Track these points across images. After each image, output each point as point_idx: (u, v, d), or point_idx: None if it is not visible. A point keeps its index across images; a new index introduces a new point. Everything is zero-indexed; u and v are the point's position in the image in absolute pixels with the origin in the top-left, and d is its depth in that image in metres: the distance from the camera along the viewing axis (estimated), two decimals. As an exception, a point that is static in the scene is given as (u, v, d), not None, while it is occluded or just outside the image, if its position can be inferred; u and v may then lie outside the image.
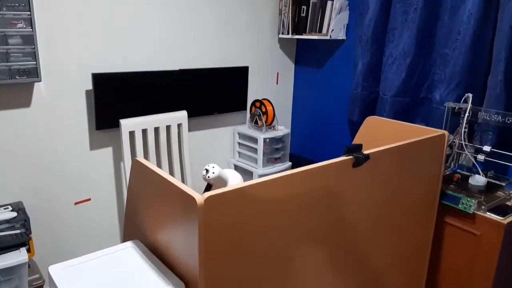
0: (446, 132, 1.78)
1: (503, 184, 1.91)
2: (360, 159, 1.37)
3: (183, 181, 2.50)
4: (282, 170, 2.79)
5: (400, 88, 2.36)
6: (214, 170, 1.28)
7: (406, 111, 2.41)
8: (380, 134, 2.06)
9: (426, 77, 2.34)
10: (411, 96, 2.38)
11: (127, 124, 2.19)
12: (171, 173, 2.43)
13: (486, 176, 1.91)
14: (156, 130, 2.33)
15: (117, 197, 2.44)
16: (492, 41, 1.99)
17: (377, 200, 1.55)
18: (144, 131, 2.28)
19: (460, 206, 1.79)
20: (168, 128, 2.38)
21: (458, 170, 2.04)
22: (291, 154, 3.00)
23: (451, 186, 1.89)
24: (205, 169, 1.28)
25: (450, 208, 1.86)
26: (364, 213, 1.51)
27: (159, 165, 2.40)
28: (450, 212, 1.87)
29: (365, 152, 1.42)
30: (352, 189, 1.42)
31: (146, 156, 2.33)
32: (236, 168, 2.88)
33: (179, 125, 2.43)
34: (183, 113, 2.43)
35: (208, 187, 1.31)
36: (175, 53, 2.48)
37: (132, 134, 2.22)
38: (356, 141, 2.17)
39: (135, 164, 1.31)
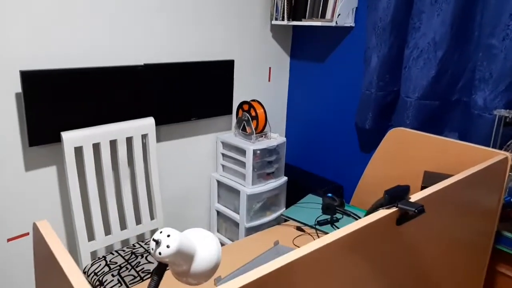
0: (508, 155, 1.27)
1: None
2: (411, 213, 0.85)
3: (151, 209, 1.96)
4: (276, 188, 2.27)
5: (428, 89, 1.85)
6: (170, 242, 0.74)
7: (436, 118, 1.90)
8: (410, 152, 1.55)
9: (462, 75, 1.83)
10: (441, 98, 1.87)
11: (71, 137, 1.63)
12: (135, 199, 1.88)
13: (555, 211, 1.42)
14: (113, 144, 1.78)
15: (65, 228, 1.90)
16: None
17: (426, 257, 1.04)
18: (96, 146, 1.73)
19: (526, 256, 1.29)
20: (129, 140, 1.83)
21: (509, 199, 1.53)
22: (285, 165, 2.48)
23: (508, 225, 1.39)
24: (155, 239, 0.74)
25: (506, 255, 1.36)
26: (411, 271, 0.99)
27: (118, 190, 1.85)
28: (507, 259, 1.37)
29: (413, 197, 0.90)
30: (397, 250, 0.91)
31: (100, 178, 1.78)
32: (220, 185, 2.34)
33: (144, 136, 1.88)
34: (149, 121, 1.88)
35: (161, 269, 0.77)
36: (139, 44, 1.92)
37: (79, 150, 1.67)
38: (376, 159, 1.65)
39: (35, 230, 0.77)
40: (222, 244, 2.38)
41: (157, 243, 0.74)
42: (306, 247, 0.72)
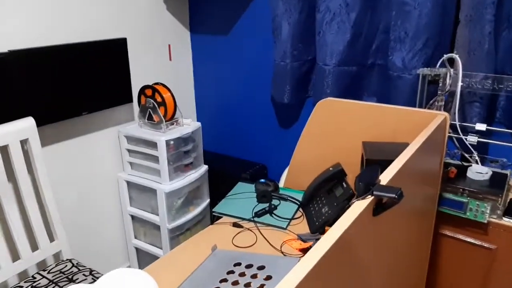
0: (447, 115, 1.22)
1: (507, 172, 1.45)
2: (391, 201, 0.71)
3: (48, 229, 1.58)
4: (197, 179, 2.04)
5: (345, 54, 1.76)
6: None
7: (354, 84, 1.83)
8: (343, 123, 1.43)
9: (375, 36, 1.77)
10: (358, 63, 1.80)
11: None
12: (25, 222, 1.50)
13: (483, 164, 1.44)
14: (-19, 157, 1.37)
15: None
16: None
17: (396, 240, 0.93)
18: (-44, 164, 1.30)
19: (468, 214, 1.28)
20: (4, 150, 1.43)
21: (446, 159, 1.53)
22: (203, 152, 2.26)
23: (449, 186, 1.37)
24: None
25: (448, 217, 1.34)
26: (376, 256, 0.87)
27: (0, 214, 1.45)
28: (449, 221, 1.36)
29: (383, 177, 0.76)
30: (369, 239, 0.77)
31: (-31, 204, 1.36)
32: (131, 186, 2.02)
33: (23, 142, 1.48)
34: (28, 122, 1.48)
35: None
36: (1, 25, 1.48)
37: None
38: (306, 135, 1.52)
39: None
40: (147, 253, 2.10)
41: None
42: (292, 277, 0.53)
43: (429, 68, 1.51)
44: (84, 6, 1.75)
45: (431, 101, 1.53)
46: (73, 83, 1.69)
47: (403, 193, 0.70)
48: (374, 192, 0.70)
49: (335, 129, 1.46)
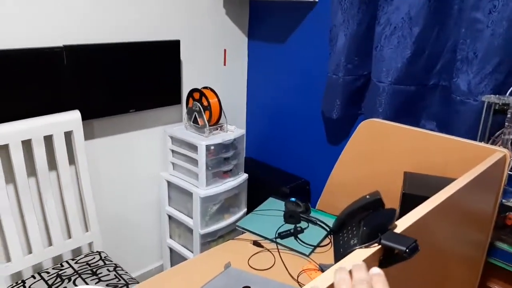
0: (507, 152, 1.04)
1: None
2: (401, 254, 0.59)
3: (83, 220, 1.64)
4: (235, 187, 1.99)
5: (403, 72, 1.60)
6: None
7: (411, 106, 1.67)
8: (386, 147, 1.30)
9: (441, 55, 1.60)
10: (418, 83, 1.63)
11: (-35, 139, 1.28)
12: (62, 210, 1.56)
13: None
14: (26, 144, 1.44)
15: (-28, 251, 1.55)
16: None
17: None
18: (4, 149, 1.38)
19: (525, 271, 1.08)
20: (48, 140, 1.49)
21: (504, 202, 1.32)
22: (246, 160, 2.21)
23: (504, 234, 1.17)
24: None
25: (500, 270, 1.15)
26: None
27: (39, 201, 1.51)
28: (500, 275, 1.16)
29: (402, 221, 0.65)
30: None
31: (13, 188, 1.44)
32: (171, 186, 2.04)
33: (67, 134, 1.54)
34: (74, 115, 1.54)
35: None
36: (57, 20, 1.56)
37: (-22, 155, 1.33)
38: (346, 156, 1.40)
39: None
40: (179, 254, 2.10)
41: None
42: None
43: (497, 96, 1.32)
44: (142, 6, 1.79)
45: (496, 134, 1.33)
46: (123, 81, 1.73)
47: (418, 246, 0.58)
48: (382, 241, 0.59)
49: (379, 153, 1.33)
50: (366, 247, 0.59)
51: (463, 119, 1.48)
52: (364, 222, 0.64)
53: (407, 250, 0.57)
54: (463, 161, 1.12)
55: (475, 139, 1.33)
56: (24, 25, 1.47)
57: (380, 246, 0.60)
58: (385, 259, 0.61)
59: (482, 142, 1.29)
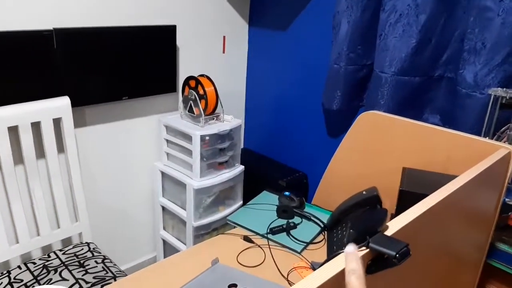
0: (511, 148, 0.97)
1: None
2: (390, 259, 0.53)
3: (71, 210, 1.59)
4: (231, 179, 1.94)
5: (407, 62, 1.53)
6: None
7: (415, 98, 1.59)
8: (385, 141, 1.23)
9: (448, 45, 1.52)
10: (422, 74, 1.56)
11: None
12: (50, 200, 1.51)
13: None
14: (13, 131, 1.39)
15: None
16: None
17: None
18: (-13, 135, 1.33)
19: (529, 275, 1.02)
20: (36, 126, 1.44)
21: (507, 201, 1.25)
22: (244, 151, 2.15)
23: (505, 235, 1.11)
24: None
25: (499, 272, 1.09)
26: None
27: (26, 190, 1.46)
28: (499, 277, 1.10)
29: (394, 222, 0.59)
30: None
31: (-4, 174, 1.40)
32: (165, 176, 1.98)
33: (56, 121, 1.49)
34: (63, 101, 1.49)
35: None
36: (47, 2, 1.50)
37: (-39, 140, 1.28)
38: (343, 149, 1.33)
39: None
40: (172, 246, 2.05)
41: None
42: None
43: (504, 89, 1.24)
44: (137, -10, 1.72)
45: (502, 129, 1.26)
46: (116, 67, 1.67)
47: (410, 251, 0.52)
48: (370, 244, 0.53)
49: (378, 147, 1.27)
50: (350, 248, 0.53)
51: (468, 113, 1.40)
52: (351, 223, 0.58)
53: (397, 255, 0.51)
54: (465, 158, 1.05)
55: (479, 134, 1.26)
56: (12, 7, 1.41)
57: (368, 249, 0.54)
58: (374, 264, 0.55)
59: (487, 138, 1.22)
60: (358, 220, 0.60)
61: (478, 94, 1.36)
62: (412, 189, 0.98)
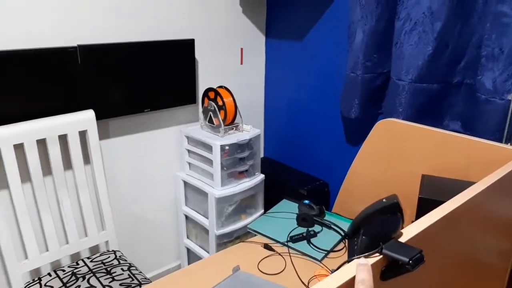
0: (534, 154, 0.97)
1: None
2: (404, 266, 0.55)
3: (98, 219, 1.65)
4: (251, 188, 1.97)
5: (424, 70, 1.53)
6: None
7: (433, 105, 1.59)
8: (404, 148, 1.24)
9: (465, 52, 1.52)
10: (440, 81, 1.56)
11: (-18, 139, 1.31)
12: (77, 209, 1.57)
13: None
14: (41, 144, 1.46)
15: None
16: None
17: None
18: (19, 148, 1.41)
19: (554, 283, 1.00)
20: (63, 139, 1.51)
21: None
22: (264, 160, 2.18)
23: (531, 241, 1.09)
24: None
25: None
26: None
27: (54, 200, 1.53)
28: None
29: (409, 229, 0.60)
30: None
31: (29, 186, 1.47)
32: (187, 186, 2.03)
33: (82, 133, 1.55)
34: (88, 114, 1.55)
35: None
36: (71, 20, 1.57)
37: (-5, 154, 1.35)
38: (362, 157, 1.35)
39: None
40: (196, 255, 2.09)
41: None
42: None
43: (524, 94, 1.24)
44: (157, 5, 1.79)
45: (524, 135, 1.25)
46: (138, 81, 1.74)
47: (423, 257, 0.54)
48: (384, 251, 0.55)
49: (396, 155, 1.27)
50: (365, 257, 0.55)
51: (488, 119, 1.40)
52: (364, 230, 0.60)
53: (410, 262, 0.53)
54: (486, 164, 1.05)
55: (500, 141, 1.25)
56: (38, 25, 1.49)
57: (381, 256, 0.55)
58: (388, 270, 0.56)
59: (508, 144, 1.21)
60: (372, 226, 0.62)
61: (497, 99, 1.35)
62: (432, 196, 0.99)
